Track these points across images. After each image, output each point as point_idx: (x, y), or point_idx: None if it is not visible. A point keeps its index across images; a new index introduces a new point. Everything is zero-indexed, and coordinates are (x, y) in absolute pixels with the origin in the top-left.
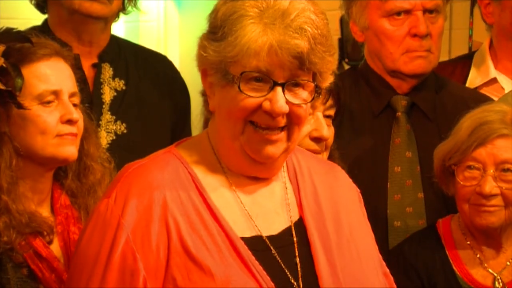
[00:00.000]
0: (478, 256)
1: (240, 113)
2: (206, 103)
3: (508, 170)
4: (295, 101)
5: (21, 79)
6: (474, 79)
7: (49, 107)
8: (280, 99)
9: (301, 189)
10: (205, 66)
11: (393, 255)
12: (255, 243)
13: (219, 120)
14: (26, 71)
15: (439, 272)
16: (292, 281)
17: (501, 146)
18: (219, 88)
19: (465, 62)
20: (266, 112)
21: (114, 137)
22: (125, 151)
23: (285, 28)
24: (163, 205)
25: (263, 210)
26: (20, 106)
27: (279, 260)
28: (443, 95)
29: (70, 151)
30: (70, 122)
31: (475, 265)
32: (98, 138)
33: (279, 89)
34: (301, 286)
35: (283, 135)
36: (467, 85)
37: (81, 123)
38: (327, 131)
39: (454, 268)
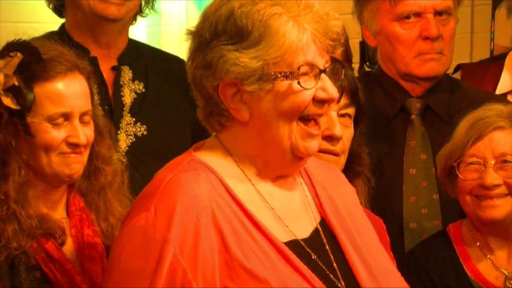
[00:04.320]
0: (488, 256)
1: (298, 108)
2: (215, 121)
3: (508, 162)
4: (336, 83)
5: (32, 95)
6: (506, 82)
7: (57, 125)
8: (331, 85)
9: (317, 189)
10: (236, 77)
11: (405, 259)
12: (295, 248)
13: (258, 127)
14: (39, 89)
15: (451, 274)
16: (337, 283)
17: (498, 139)
18: (260, 94)
19: (497, 63)
20: (319, 101)
21: (134, 139)
22: (145, 153)
23: (317, 15)
24: (208, 216)
25: (291, 213)
26: (27, 132)
27: (320, 263)
28: (457, 97)
29: (74, 169)
30: (75, 144)
31: (487, 266)
32: (111, 139)
33: (324, 76)
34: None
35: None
36: (498, 88)
37: (90, 139)
38: (339, 130)
39: (466, 270)
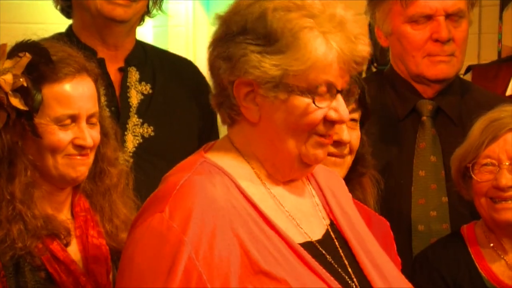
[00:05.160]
0: (503, 257)
1: (308, 126)
2: (225, 113)
3: None
4: (349, 105)
5: (40, 96)
6: None
7: (64, 127)
8: (344, 107)
9: (325, 193)
10: (254, 79)
11: (417, 261)
12: (310, 249)
13: (266, 131)
14: (47, 91)
15: (464, 275)
16: (352, 285)
17: None
18: (274, 102)
19: (508, 65)
20: (330, 121)
21: (141, 140)
22: (152, 154)
23: (346, 36)
24: (225, 219)
25: (303, 215)
26: (34, 133)
27: (335, 265)
28: (468, 100)
29: (80, 171)
30: (82, 147)
31: (500, 267)
32: (117, 141)
33: (339, 97)
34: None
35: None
36: (508, 89)
37: (96, 141)
38: (347, 135)
39: (480, 270)
